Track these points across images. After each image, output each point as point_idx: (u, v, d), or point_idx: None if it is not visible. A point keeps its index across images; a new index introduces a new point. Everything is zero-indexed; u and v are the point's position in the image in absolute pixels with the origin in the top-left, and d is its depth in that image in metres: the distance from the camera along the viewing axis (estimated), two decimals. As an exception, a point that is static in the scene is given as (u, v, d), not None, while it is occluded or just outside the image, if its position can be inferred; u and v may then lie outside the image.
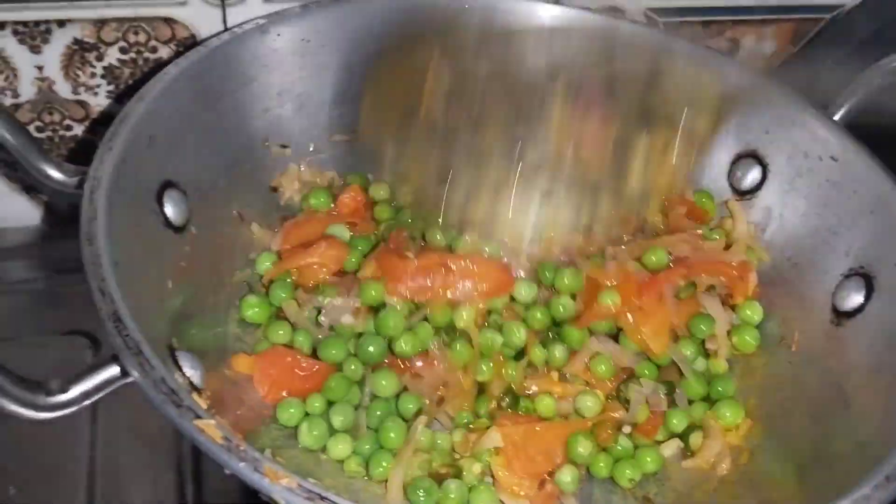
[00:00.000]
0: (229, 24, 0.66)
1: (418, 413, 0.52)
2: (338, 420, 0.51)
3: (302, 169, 0.63)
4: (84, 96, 0.69)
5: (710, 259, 0.59)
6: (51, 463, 0.56)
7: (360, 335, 0.54)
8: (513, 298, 0.58)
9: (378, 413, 0.52)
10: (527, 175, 0.57)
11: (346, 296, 0.55)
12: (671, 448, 0.54)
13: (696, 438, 0.54)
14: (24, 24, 0.64)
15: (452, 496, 0.48)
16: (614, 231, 0.60)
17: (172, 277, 0.51)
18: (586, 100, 0.59)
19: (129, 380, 0.41)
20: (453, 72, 0.59)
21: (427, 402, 0.53)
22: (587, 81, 0.60)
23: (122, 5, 0.65)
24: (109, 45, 0.67)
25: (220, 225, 0.57)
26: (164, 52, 0.68)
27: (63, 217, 0.73)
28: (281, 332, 0.55)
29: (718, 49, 0.77)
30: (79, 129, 0.71)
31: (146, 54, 0.68)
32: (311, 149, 0.63)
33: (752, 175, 0.62)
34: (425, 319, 0.55)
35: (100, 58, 0.67)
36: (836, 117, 0.60)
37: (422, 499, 0.48)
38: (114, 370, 0.41)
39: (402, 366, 0.54)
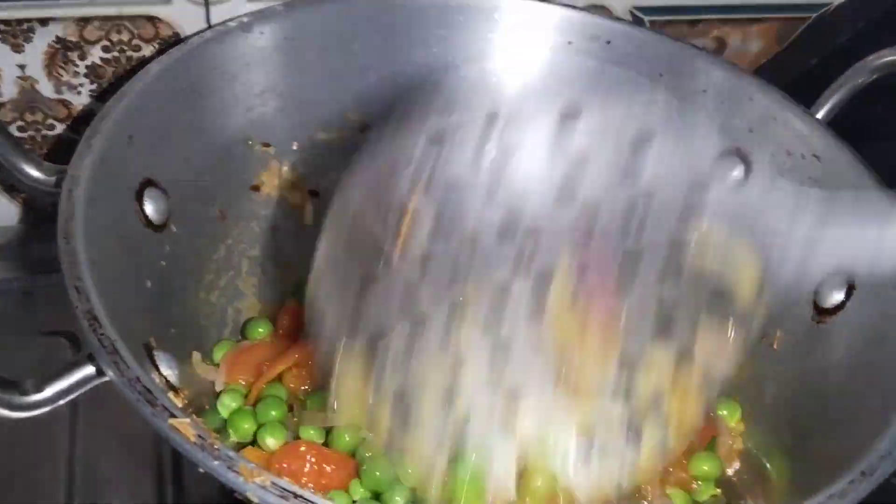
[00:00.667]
0: (213, 23, 0.66)
1: None
2: None
3: (284, 168, 0.62)
4: (67, 95, 0.69)
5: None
6: (29, 465, 0.56)
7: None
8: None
9: None
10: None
11: None
12: None
13: None
14: (6, 22, 0.64)
15: None
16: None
17: (151, 277, 0.51)
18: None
19: (105, 379, 0.41)
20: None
21: None
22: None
23: (105, 4, 0.65)
24: (92, 43, 0.67)
25: (200, 224, 0.57)
26: (148, 50, 0.68)
27: (42, 217, 0.73)
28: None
29: (705, 48, 0.77)
30: (61, 129, 0.70)
31: (129, 53, 0.68)
32: (294, 147, 0.63)
33: (735, 173, 0.61)
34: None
35: (83, 56, 0.67)
36: (820, 115, 0.60)
37: None
38: (89, 369, 0.41)
39: None
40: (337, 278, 0.46)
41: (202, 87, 0.57)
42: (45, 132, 0.70)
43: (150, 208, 0.52)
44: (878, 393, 0.47)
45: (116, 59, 0.68)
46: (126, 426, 0.56)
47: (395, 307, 0.43)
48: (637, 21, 0.75)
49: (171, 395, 0.42)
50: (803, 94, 0.62)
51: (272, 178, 0.62)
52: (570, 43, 0.65)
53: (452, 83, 0.52)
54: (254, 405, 0.54)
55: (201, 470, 0.38)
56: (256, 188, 0.62)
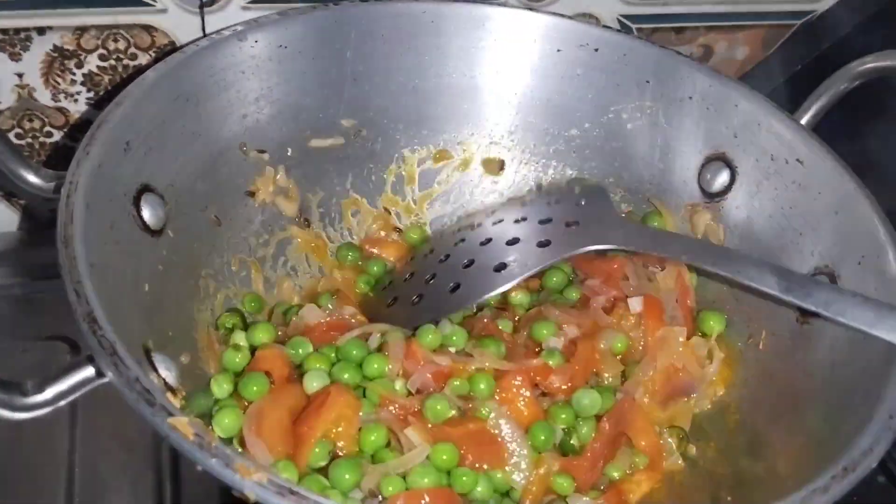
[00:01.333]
0: (208, 31, 0.67)
1: None
2: None
3: (279, 176, 0.63)
4: (64, 103, 0.70)
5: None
6: (30, 466, 0.57)
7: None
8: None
9: None
10: None
11: None
12: None
13: None
14: (4, 31, 0.65)
15: None
16: None
17: (149, 280, 0.51)
18: None
19: (105, 380, 0.42)
20: None
21: None
22: None
23: (101, 13, 0.66)
24: (89, 52, 0.68)
25: (197, 228, 0.58)
26: (144, 59, 0.69)
27: (41, 223, 0.73)
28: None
29: (692, 55, 0.78)
30: (59, 136, 0.71)
31: (126, 61, 0.69)
32: (288, 153, 0.64)
33: (721, 178, 0.63)
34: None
35: (80, 65, 0.68)
36: (804, 121, 0.61)
37: None
38: (89, 371, 0.42)
39: None
40: None
41: (198, 95, 0.58)
42: (42, 139, 0.71)
43: (147, 214, 0.53)
44: (861, 391, 0.48)
45: (113, 68, 0.69)
46: (125, 428, 0.57)
47: None
48: (625, 29, 0.76)
49: (168, 395, 0.43)
50: (789, 99, 0.63)
51: (267, 184, 0.63)
52: (559, 51, 0.66)
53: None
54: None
55: (199, 468, 0.38)
56: (252, 194, 0.62)
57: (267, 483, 0.37)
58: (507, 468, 0.51)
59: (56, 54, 0.67)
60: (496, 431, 0.52)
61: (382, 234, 0.68)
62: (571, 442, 0.54)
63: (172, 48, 0.68)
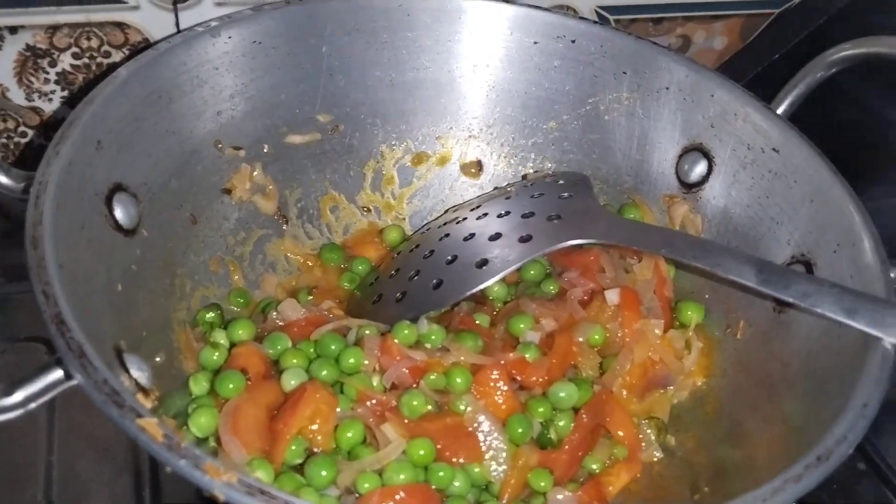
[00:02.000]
0: (182, 28, 0.67)
1: None
2: None
3: (255, 173, 0.63)
4: (38, 102, 0.69)
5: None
6: (8, 468, 0.56)
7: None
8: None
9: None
10: None
11: None
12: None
13: None
14: (-25, 31, 0.65)
15: None
16: None
17: (122, 280, 0.51)
18: None
19: (74, 383, 0.41)
20: None
21: None
22: None
23: (73, 11, 0.66)
24: (62, 50, 0.67)
25: (172, 227, 0.57)
26: (118, 56, 0.69)
27: (17, 223, 0.72)
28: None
29: (670, 46, 0.78)
30: (33, 136, 0.71)
31: (99, 59, 0.68)
32: (265, 150, 0.64)
33: (699, 168, 0.62)
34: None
35: (53, 64, 0.68)
36: (780, 110, 0.61)
37: None
38: (58, 373, 0.42)
39: None
40: None
41: (171, 92, 0.58)
42: (17, 139, 0.71)
43: (119, 213, 0.52)
44: (836, 379, 0.48)
45: (87, 66, 0.68)
46: (104, 429, 0.57)
47: None
48: (602, 20, 0.76)
49: (140, 396, 0.43)
50: (767, 88, 0.63)
51: (243, 181, 0.62)
52: (535, 43, 0.66)
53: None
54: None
55: (168, 469, 0.38)
56: (228, 191, 0.62)
57: (237, 483, 0.37)
58: (484, 462, 0.51)
59: (29, 53, 0.67)
60: (473, 425, 0.52)
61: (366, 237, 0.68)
62: (549, 435, 0.54)
63: (146, 45, 0.68)
